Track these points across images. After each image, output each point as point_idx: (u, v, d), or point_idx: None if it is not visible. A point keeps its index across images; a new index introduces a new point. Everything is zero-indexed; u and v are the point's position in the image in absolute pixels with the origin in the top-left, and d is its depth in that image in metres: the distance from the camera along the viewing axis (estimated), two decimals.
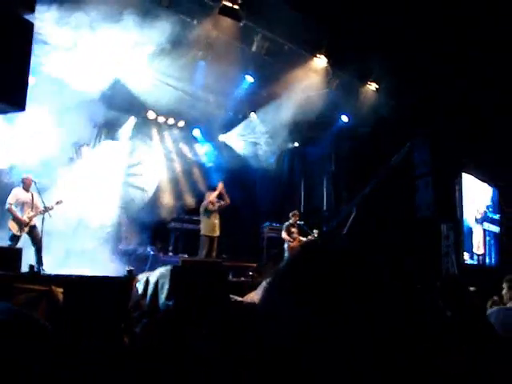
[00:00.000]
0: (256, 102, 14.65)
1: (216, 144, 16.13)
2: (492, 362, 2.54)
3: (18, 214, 9.69)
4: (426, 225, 14.59)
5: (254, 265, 13.62)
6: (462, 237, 15.46)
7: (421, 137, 15.01)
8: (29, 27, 5.04)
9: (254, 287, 7.97)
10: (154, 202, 13.85)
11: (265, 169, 17.03)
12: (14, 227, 9.65)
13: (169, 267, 8.26)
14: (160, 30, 10.58)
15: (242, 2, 11.06)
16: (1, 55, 4.69)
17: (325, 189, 16.61)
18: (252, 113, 15.37)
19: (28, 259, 9.02)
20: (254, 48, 12.15)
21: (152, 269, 9.99)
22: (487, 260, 17.18)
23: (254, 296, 6.85)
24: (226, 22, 11.34)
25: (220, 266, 10.28)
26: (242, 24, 11.54)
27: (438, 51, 12.30)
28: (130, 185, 13.83)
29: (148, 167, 14.31)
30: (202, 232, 12.18)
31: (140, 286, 8.16)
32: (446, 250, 14.95)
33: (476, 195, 16.74)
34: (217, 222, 12.18)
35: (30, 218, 9.81)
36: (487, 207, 17.45)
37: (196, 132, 15.66)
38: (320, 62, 13.24)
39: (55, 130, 11.04)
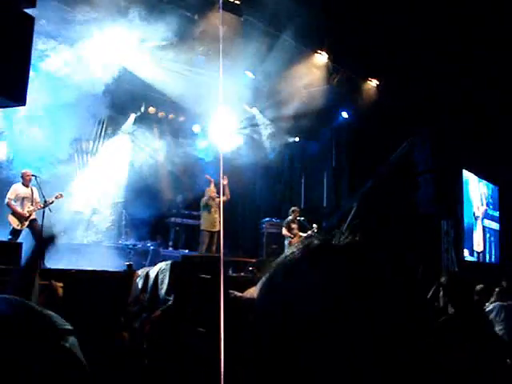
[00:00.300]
0: (256, 97, 14.62)
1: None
2: (492, 359, 2.54)
3: (18, 209, 9.70)
4: (426, 221, 14.58)
5: (254, 260, 13.64)
6: (462, 233, 15.46)
7: (422, 133, 15.00)
8: (29, 21, 5.02)
9: (253, 283, 7.97)
10: (154, 196, 13.84)
11: (265, 164, 17.03)
12: (14, 221, 9.67)
13: (169, 262, 8.26)
14: (161, 26, 10.56)
15: None
16: (1, 49, 4.67)
17: (325, 184, 16.59)
18: (253, 108, 15.33)
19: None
20: (254, 43, 12.12)
21: (152, 264, 10.00)
22: (487, 257, 17.19)
23: (254, 291, 6.84)
24: (228, 16, 11.32)
25: (219, 261, 10.26)
26: (242, 19, 11.52)
27: (443, 50, 12.28)
28: (130, 179, 13.82)
29: (148, 162, 14.29)
30: (202, 227, 12.18)
31: (140, 281, 8.16)
32: (446, 247, 14.96)
33: (476, 192, 16.74)
34: (217, 216, 12.17)
35: (30, 212, 9.81)
36: (487, 204, 17.45)
37: (196, 127, 15.63)
38: (321, 57, 13.22)
39: (56, 125, 11.04)
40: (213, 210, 12.13)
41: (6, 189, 10.07)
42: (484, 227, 17.09)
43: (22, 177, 9.96)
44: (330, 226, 14.80)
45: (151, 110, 14.05)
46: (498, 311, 5.86)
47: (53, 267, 9.01)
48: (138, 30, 10.68)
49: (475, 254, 16.33)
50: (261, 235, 15.06)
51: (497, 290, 6.47)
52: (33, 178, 9.95)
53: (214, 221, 12.12)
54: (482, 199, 17.13)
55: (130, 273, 8.32)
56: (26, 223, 9.78)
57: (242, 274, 12.52)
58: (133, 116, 14.06)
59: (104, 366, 2.47)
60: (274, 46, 12.39)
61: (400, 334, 0.75)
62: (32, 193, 9.95)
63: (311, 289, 0.78)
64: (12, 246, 8.79)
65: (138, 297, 7.60)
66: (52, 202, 10.03)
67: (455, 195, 15.53)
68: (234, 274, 10.90)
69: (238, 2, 11.09)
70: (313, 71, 13.43)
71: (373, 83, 14.43)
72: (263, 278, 0.88)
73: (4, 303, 1.21)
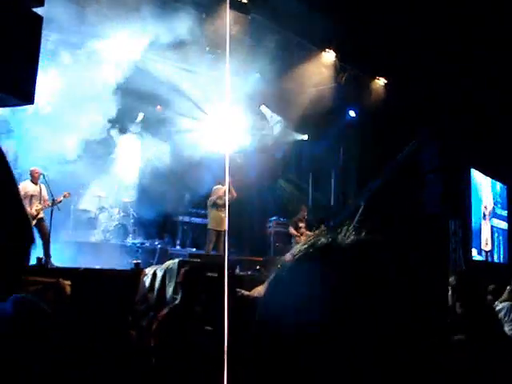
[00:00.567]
0: (264, 95, 14.60)
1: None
2: (495, 359, 2.53)
3: (26, 207, 9.69)
4: (433, 221, 14.54)
5: (261, 259, 13.65)
6: (470, 233, 15.41)
7: (429, 132, 14.95)
8: (38, 20, 5.04)
9: (260, 281, 7.98)
10: (162, 195, 13.86)
11: (272, 163, 17.01)
12: None
13: (176, 261, 8.28)
14: (169, 24, 10.58)
15: None
16: (10, 48, 4.69)
17: (333, 183, 16.56)
18: (262, 106, 15.30)
19: (37, 252, 9.09)
20: (262, 42, 12.13)
21: (159, 262, 10.02)
22: (495, 256, 17.12)
23: (261, 290, 6.85)
24: (235, 15, 11.33)
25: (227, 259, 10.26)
26: (250, 18, 11.53)
27: (444, 49, 12.26)
28: (138, 178, 13.84)
29: (155, 161, 14.30)
30: (209, 226, 12.20)
31: (147, 280, 8.18)
32: (454, 246, 14.91)
33: (485, 191, 16.67)
34: (224, 215, 12.17)
35: (38, 211, 9.80)
36: (496, 203, 17.37)
37: (203, 126, 15.62)
38: (329, 56, 13.19)
39: (67, 124, 11.06)
40: (220, 209, 12.14)
41: None
42: (492, 226, 17.02)
43: (31, 174, 9.93)
44: (337, 225, 14.76)
45: (159, 108, 14.05)
46: (507, 311, 5.84)
47: (61, 265, 9.06)
48: (146, 29, 10.69)
49: (483, 254, 16.27)
50: (268, 234, 15.07)
51: (508, 288, 6.43)
52: (41, 175, 9.95)
53: (221, 220, 12.12)
54: (490, 198, 17.06)
55: (137, 271, 8.35)
56: (34, 222, 9.75)
57: (249, 272, 12.53)
58: (141, 115, 14.08)
59: (111, 364, 2.48)
60: (281, 44, 12.38)
61: (403, 334, 0.75)
62: (40, 190, 9.95)
63: (315, 288, 0.78)
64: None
65: (146, 295, 7.62)
66: (60, 201, 10.05)
67: (463, 194, 15.47)
68: (242, 273, 10.91)
69: (245, 1, 11.09)
70: (320, 70, 13.42)
71: (381, 82, 14.39)
72: (270, 277, 0.88)
73: (11, 303, 1.21)
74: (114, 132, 12.96)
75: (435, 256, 13.03)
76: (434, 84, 13.40)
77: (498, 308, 5.88)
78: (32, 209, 9.73)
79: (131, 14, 10.33)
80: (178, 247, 13.98)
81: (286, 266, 0.86)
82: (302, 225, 12.82)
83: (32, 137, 10.79)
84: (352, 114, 15.35)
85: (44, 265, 9.01)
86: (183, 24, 10.69)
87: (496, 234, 17.23)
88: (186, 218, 14.54)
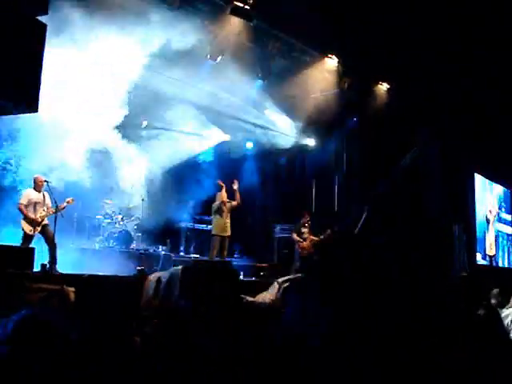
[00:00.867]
0: (267, 101, 14.63)
1: (228, 144, 16.14)
2: (494, 361, 2.52)
3: (30, 214, 9.70)
4: (437, 225, 14.51)
5: (265, 265, 13.64)
6: (474, 237, 15.37)
7: (433, 137, 14.94)
8: (42, 28, 5.07)
9: (265, 287, 7.97)
10: (166, 201, 13.86)
11: (276, 169, 17.05)
12: (26, 227, 9.68)
13: (180, 267, 8.27)
14: (171, 31, 10.61)
15: (254, 2, 11.07)
16: (14, 56, 4.72)
17: (336, 188, 16.55)
18: (264, 112, 15.33)
19: (42, 258, 9.11)
20: (265, 48, 12.16)
21: (163, 268, 10.01)
22: (500, 261, 17.06)
23: (266, 296, 6.83)
24: (238, 22, 11.36)
25: (231, 266, 10.26)
26: (253, 24, 11.56)
27: (445, 50, 12.27)
28: (142, 185, 13.86)
29: (159, 167, 14.32)
30: (213, 232, 12.20)
31: (151, 286, 8.17)
32: (458, 251, 14.88)
33: (489, 196, 16.64)
34: (228, 221, 12.18)
35: (42, 218, 9.83)
36: (500, 208, 17.33)
37: (207, 132, 15.68)
38: (331, 62, 13.22)
39: (72, 132, 11.10)
40: (224, 214, 12.14)
41: (12, 193, 10.13)
42: (496, 231, 16.98)
43: (35, 182, 9.97)
44: (341, 230, 14.76)
45: (162, 115, 14.07)
46: None
47: (64, 272, 9.06)
48: (149, 37, 10.72)
49: (487, 258, 16.22)
50: (272, 240, 15.07)
51: None
52: (45, 183, 9.98)
53: (225, 226, 12.13)
54: (494, 203, 17.02)
55: (141, 277, 8.34)
56: (39, 228, 9.78)
57: (254, 278, 12.53)
58: (145, 122, 14.14)
59: (115, 370, 2.49)
60: (283, 50, 12.41)
61: (403, 334, 0.76)
62: (44, 198, 9.98)
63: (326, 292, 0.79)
64: (25, 251, 8.85)
65: (150, 301, 7.62)
66: (64, 208, 10.08)
67: (467, 199, 15.44)
68: (246, 279, 10.91)
69: (247, 8, 11.12)
70: (323, 76, 13.44)
71: (384, 87, 14.39)
72: (275, 283, 0.89)
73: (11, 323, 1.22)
74: (117, 139, 12.97)
75: (436, 258, 13.01)
76: (438, 89, 13.40)
77: (503, 314, 5.82)
78: (36, 215, 9.77)
79: (134, 22, 10.36)
80: (181, 253, 14.00)
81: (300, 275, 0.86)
82: (304, 230, 12.82)
83: (35, 144, 10.81)
84: (355, 119, 15.35)
85: (48, 271, 9.03)
86: (186, 31, 10.72)
87: (500, 239, 17.18)
88: (190, 224, 14.55)
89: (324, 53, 13.19)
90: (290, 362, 0.75)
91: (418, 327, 0.73)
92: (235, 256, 14.49)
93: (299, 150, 16.83)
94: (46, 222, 9.90)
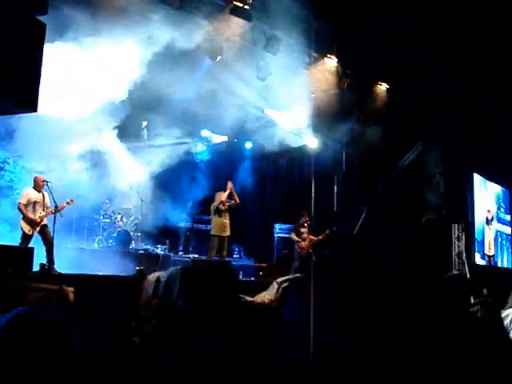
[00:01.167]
0: (267, 101, 14.62)
1: (226, 144, 16.16)
2: (494, 361, 2.52)
3: (29, 214, 9.69)
4: (436, 225, 14.50)
5: (265, 265, 13.65)
6: (473, 237, 15.36)
7: (432, 137, 14.93)
8: (41, 28, 5.06)
9: (264, 287, 7.98)
10: (165, 202, 13.87)
11: (276, 168, 17.05)
12: (25, 227, 9.66)
13: (179, 267, 8.27)
14: (171, 31, 10.59)
15: (253, 2, 11.07)
16: (13, 56, 4.72)
17: (335, 188, 16.54)
18: (263, 112, 15.33)
19: (40, 258, 9.10)
20: (264, 48, 12.16)
21: (163, 268, 10.02)
22: (498, 261, 17.05)
23: (265, 296, 6.84)
24: (237, 22, 11.36)
25: (230, 265, 10.29)
26: (252, 24, 11.55)
27: (445, 50, 12.28)
28: (141, 185, 13.86)
29: (159, 167, 14.33)
30: (212, 232, 12.21)
31: (151, 286, 8.17)
32: (457, 251, 14.88)
33: (487, 196, 16.63)
34: (227, 221, 12.19)
35: (41, 218, 9.81)
36: (499, 208, 17.32)
37: (205, 133, 15.69)
38: (331, 62, 13.22)
39: (72, 132, 11.09)
40: (223, 214, 12.15)
41: (8, 191, 10.12)
42: (495, 231, 16.97)
43: (35, 181, 9.94)
44: (340, 230, 14.77)
45: (162, 115, 14.07)
46: None
47: (64, 272, 9.06)
48: (148, 37, 10.71)
49: (486, 258, 16.22)
50: (272, 240, 15.08)
51: None
52: (45, 183, 9.96)
53: (224, 226, 12.14)
54: (493, 202, 17.01)
55: (140, 277, 8.35)
56: (38, 229, 9.76)
57: (253, 278, 12.55)
58: (145, 123, 14.15)
59: (114, 370, 2.49)
60: (283, 51, 12.40)
61: (403, 334, 0.76)
62: (43, 198, 9.96)
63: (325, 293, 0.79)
64: (24, 251, 8.85)
65: (149, 301, 7.62)
66: (63, 208, 10.06)
67: (465, 198, 15.43)
68: (245, 279, 10.91)
69: (246, 8, 11.11)
70: (323, 76, 13.44)
71: (383, 87, 14.40)
72: (275, 283, 0.88)
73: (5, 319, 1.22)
74: (117, 139, 12.98)
75: (435, 257, 13.02)
76: (438, 88, 13.40)
77: (503, 315, 5.82)
78: (36, 215, 9.76)
79: (133, 21, 10.35)
80: (181, 253, 14.01)
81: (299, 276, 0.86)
82: (303, 230, 12.82)
83: (34, 143, 10.81)
84: (354, 118, 15.35)
85: (47, 271, 9.03)
86: (184, 30, 10.70)
87: (499, 239, 17.18)
88: (189, 225, 14.56)
89: (324, 53, 13.19)
90: (290, 362, 0.75)
91: (418, 327, 0.72)
92: (234, 256, 14.51)
93: (299, 150, 16.82)
94: (45, 222, 9.87)
